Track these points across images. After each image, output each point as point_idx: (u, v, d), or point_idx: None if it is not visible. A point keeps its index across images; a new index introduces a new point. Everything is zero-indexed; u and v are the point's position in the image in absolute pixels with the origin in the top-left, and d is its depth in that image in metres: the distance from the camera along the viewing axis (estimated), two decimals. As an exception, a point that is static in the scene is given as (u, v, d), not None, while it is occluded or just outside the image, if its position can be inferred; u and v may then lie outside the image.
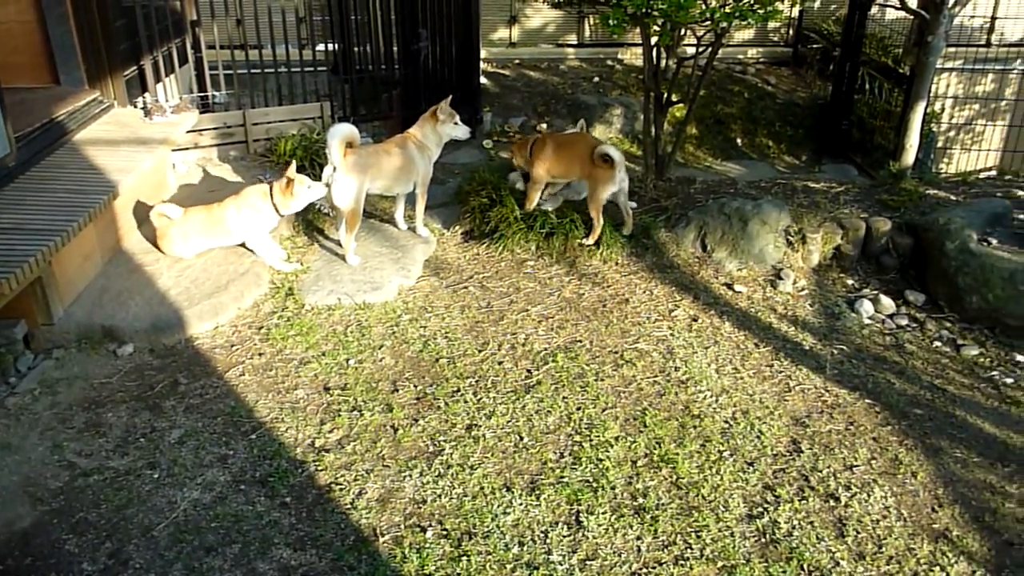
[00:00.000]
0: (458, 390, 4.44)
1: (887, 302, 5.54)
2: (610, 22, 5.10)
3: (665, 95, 6.26)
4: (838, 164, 8.83)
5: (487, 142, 8.52)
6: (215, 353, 4.70)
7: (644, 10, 5.06)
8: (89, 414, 4.19)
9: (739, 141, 9.09)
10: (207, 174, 6.51)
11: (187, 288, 5.05)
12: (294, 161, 5.64)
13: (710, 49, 6.03)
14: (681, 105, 7.42)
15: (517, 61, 10.00)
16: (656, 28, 5.56)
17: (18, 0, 5.98)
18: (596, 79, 9.64)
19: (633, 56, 10.25)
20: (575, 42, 10.39)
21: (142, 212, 5.52)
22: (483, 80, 9.07)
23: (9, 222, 4.57)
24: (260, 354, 4.69)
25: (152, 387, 4.40)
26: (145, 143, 5.81)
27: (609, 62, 10.14)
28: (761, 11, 5.01)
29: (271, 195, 5.31)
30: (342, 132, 5.32)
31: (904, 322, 5.41)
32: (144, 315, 4.78)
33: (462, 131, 5.87)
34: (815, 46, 10.23)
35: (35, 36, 6.11)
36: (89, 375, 4.48)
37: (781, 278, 5.70)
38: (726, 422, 4.31)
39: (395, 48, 7.85)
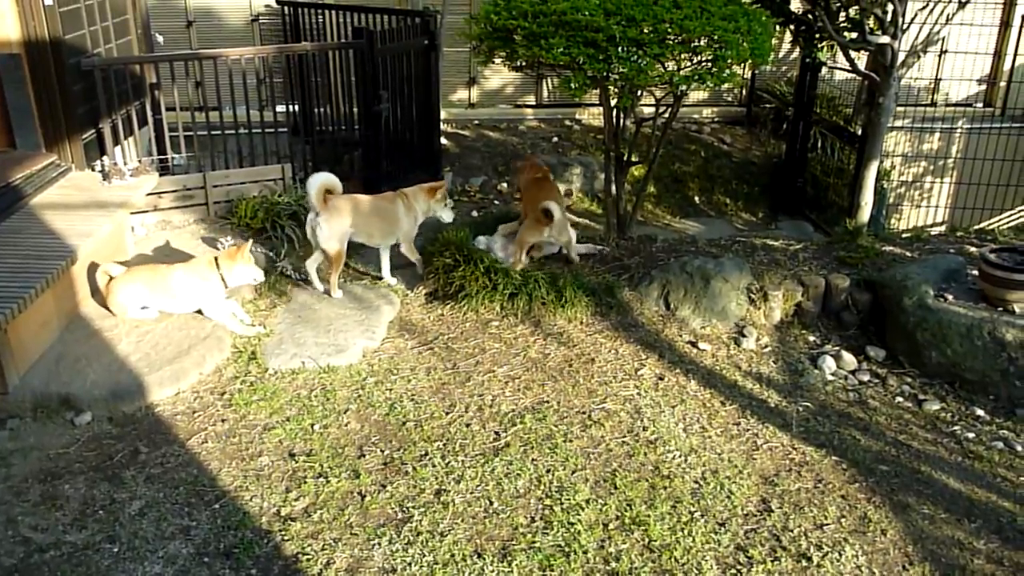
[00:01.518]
0: (426, 454, 4.38)
1: (849, 358, 5.61)
2: (571, 85, 5.18)
3: (625, 155, 6.36)
4: (794, 221, 9.02)
5: (448, 202, 8.55)
6: (176, 420, 4.59)
7: (604, 74, 5.16)
8: (45, 486, 4.06)
9: (697, 199, 9.25)
10: (165, 238, 6.43)
11: (147, 353, 4.95)
12: (249, 240, 5.62)
13: (669, 110, 6.16)
14: (640, 165, 7.55)
15: (476, 122, 10.12)
16: (615, 90, 5.66)
17: (-26, 64, 5.93)
18: (555, 139, 9.78)
19: (591, 116, 10.43)
20: (534, 103, 10.55)
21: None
22: (443, 140, 9.15)
23: (-36, 289, 4.46)
24: (223, 420, 4.60)
25: (111, 457, 4.29)
26: (104, 206, 5.74)
27: (567, 122, 10.31)
28: (719, 74, 5.13)
29: (217, 265, 5.28)
30: (320, 180, 5.70)
31: (866, 378, 5.49)
32: (103, 382, 4.67)
33: (448, 215, 6.25)
34: (768, 106, 10.51)
35: (-9, 100, 6.05)
36: (45, 445, 4.35)
37: (744, 335, 5.76)
38: (696, 482, 4.31)
39: (355, 109, 7.90)
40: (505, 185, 8.90)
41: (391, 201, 6.10)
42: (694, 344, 5.66)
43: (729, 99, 10.94)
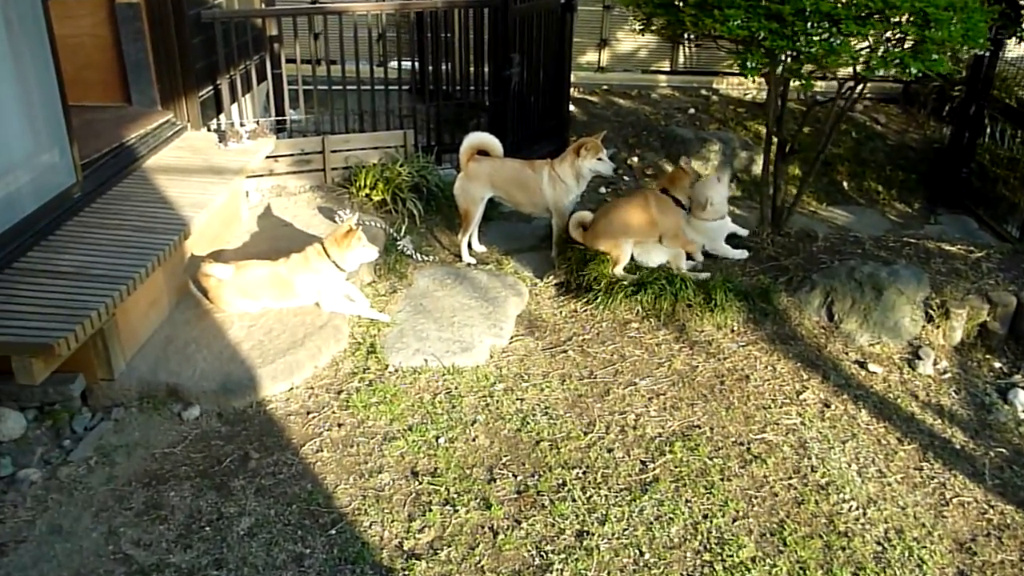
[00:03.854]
0: (564, 483, 3.86)
1: (1044, 392, 4.84)
2: (747, 64, 4.48)
3: (790, 143, 5.62)
4: (955, 215, 8.10)
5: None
6: (289, 421, 4.18)
7: (787, 53, 4.44)
8: (150, 492, 3.70)
9: (845, 184, 8.40)
10: (280, 205, 6.02)
11: (260, 341, 4.55)
12: (355, 213, 5.16)
13: (849, 93, 5.40)
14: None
15: (605, 87, 9.42)
16: (787, 69, 4.92)
17: (94, 13, 5.57)
18: (691, 110, 9.01)
19: (729, 86, 9.62)
20: (668, 68, 9.77)
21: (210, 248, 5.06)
22: (570, 107, 8.49)
23: (70, 264, 4.11)
24: (339, 425, 4.17)
25: (220, 461, 3.90)
26: (220, 172, 5.34)
27: (704, 92, 9.52)
28: (925, 59, 4.35)
29: (326, 252, 4.78)
30: (471, 139, 5.68)
31: (1065, 417, 4.72)
32: (212, 373, 4.28)
33: (606, 167, 5.75)
34: (931, 84, 9.47)
35: (108, 52, 5.70)
36: (151, 442, 3.99)
37: (920, 357, 5.03)
38: (879, 543, 3.67)
39: (484, 70, 7.35)
40: (636, 159, 8.23)
41: (536, 169, 5.72)
42: (862, 365, 4.96)
43: (883, 73, 9.93)
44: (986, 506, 3.98)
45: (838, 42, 4.28)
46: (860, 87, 5.29)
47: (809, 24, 4.26)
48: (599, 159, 5.65)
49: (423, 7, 7.24)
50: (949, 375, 4.98)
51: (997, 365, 5.12)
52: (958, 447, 4.40)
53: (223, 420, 4.17)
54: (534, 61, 7.31)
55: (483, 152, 5.70)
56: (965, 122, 8.12)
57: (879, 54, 4.48)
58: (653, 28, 5.34)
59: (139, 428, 4.07)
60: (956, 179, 8.15)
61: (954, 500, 3.99)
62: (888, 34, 4.55)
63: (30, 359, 3.53)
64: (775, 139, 5.69)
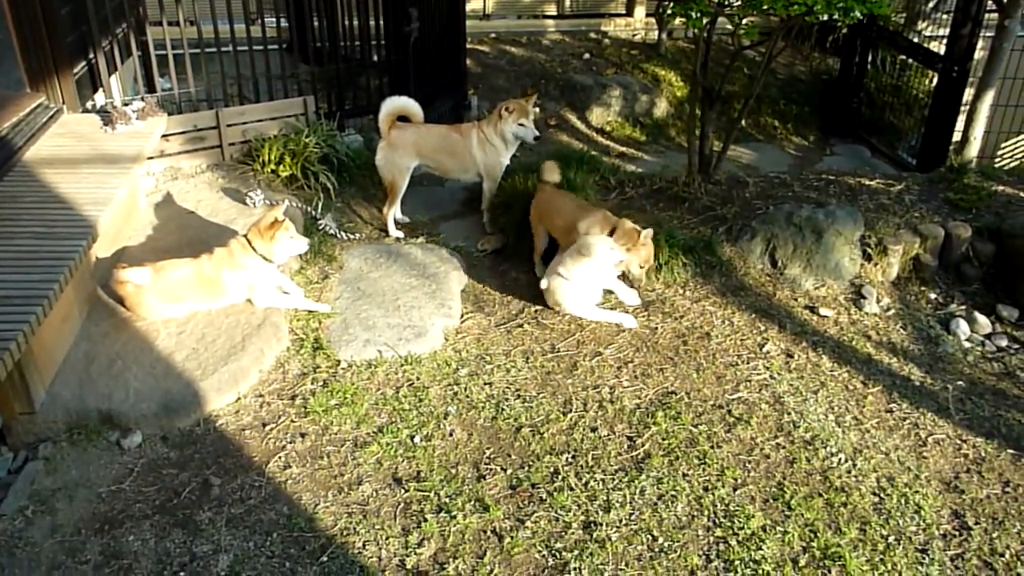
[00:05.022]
0: (556, 472, 3.67)
1: (982, 320, 5.00)
2: (692, 15, 4.28)
3: (717, 89, 5.50)
4: (849, 144, 8.28)
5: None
6: (246, 437, 3.79)
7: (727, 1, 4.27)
8: (105, 539, 3.27)
9: (743, 122, 8.42)
10: (178, 190, 5.45)
11: (194, 350, 4.09)
12: (284, 202, 4.72)
13: (778, 39, 5.32)
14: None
15: (494, 35, 9.06)
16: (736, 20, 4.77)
17: (-64, -15, 4.80)
18: (586, 55, 8.79)
19: (617, 28, 9.44)
20: (555, 13, 9.49)
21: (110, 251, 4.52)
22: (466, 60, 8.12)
23: (-32, 286, 3.53)
24: (302, 434, 3.81)
25: (177, 492, 3.49)
26: (114, 161, 4.75)
27: (593, 35, 9.30)
28: (868, 2, 4.27)
29: (251, 245, 4.32)
30: (391, 105, 5.32)
31: (1004, 343, 4.88)
32: (149, 392, 3.82)
33: (527, 132, 5.33)
34: (810, 16, 9.59)
35: (-41, 29, 4.94)
36: (92, 480, 3.53)
37: (864, 296, 5.09)
38: (875, 494, 3.67)
39: (372, 26, 6.85)
40: (537, 110, 7.97)
41: (463, 133, 5.40)
42: (813, 310, 4.97)
43: (826, 18, 9.93)
44: (959, 441, 4.06)
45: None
46: (793, 31, 5.19)
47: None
48: (521, 124, 5.30)
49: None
50: (893, 311, 5.06)
51: (933, 296, 5.25)
52: (918, 383, 4.47)
53: (170, 444, 3.73)
54: (430, 13, 6.89)
55: (402, 118, 5.33)
56: (852, 53, 8.25)
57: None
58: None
59: (75, 465, 3.58)
60: (847, 109, 8.31)
61: (929, 440, 4.05)
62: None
63: (-56, 407, 3.01)
64: (700, 87, 5.56)
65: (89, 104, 5.56)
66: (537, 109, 8.01)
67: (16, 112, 4.84)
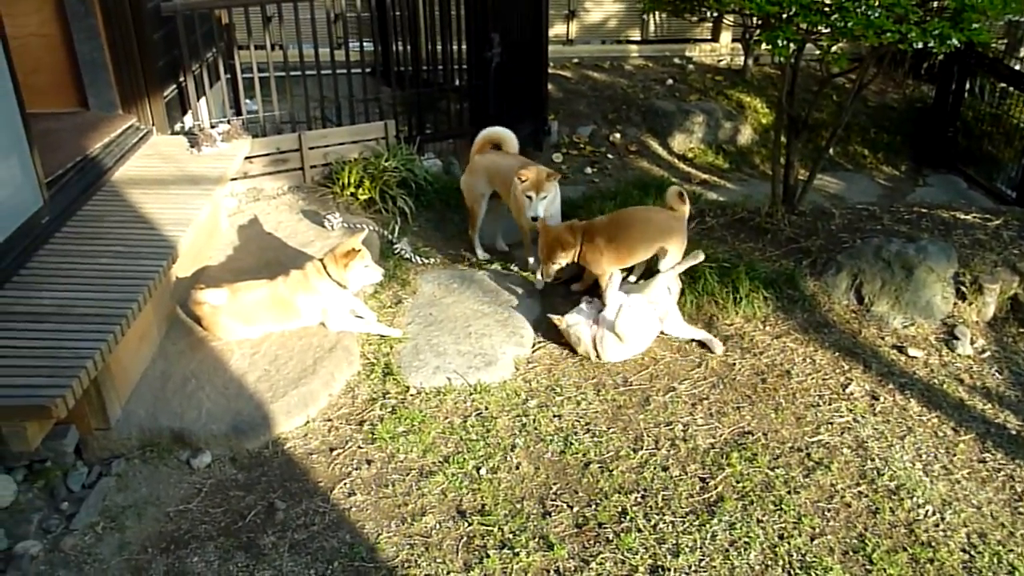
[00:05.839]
0: (624, 512, 3.55)
1: (1086, 366, 4.70)
2: (778, 42, 4.15)
3: (804, 117, 5.34)
4: (943, 175, 7.97)
5: (557, 155, 7.61)
6: (312, 462, 3.78)
7: (817, 27, 4.13)
8: (170, 559, 3.28)
9: (831, 150, 8.19)
10: (259, 211, 5.54)
11: (266, 371, 4.12)
12: (364, 230, 4.72)
13: (869, 66, 5.14)
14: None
15: (576, 60, 9.03)
16: (825, 46, 4.62)
17: (39, 10, 5.00)
18: (669, 81, 8.68)
19: (702, 53, 9.31)
20: (638, 38, 9.42)
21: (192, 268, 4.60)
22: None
23: (51, 303, 3.62)
24: (368, 461, 3.79)
25: (242, 515, 3.49)
26: (198, 182, 4.85)
27: (677, 60, 9.19)
28: (967, 28, 4.08)
29: (325, 270, 4.34)
30: (484, 134, 5.43)
31: (1109, 392, 4.57)
32: (220, 412, 3.86)
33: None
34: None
35: (58, 52, 5.14)
36: (161, 498, 3.57)
37: (956, 337, 4.83)
38: (964, 551, 3.45)
39: (453, 51, 6.89)
40: (618, 135, 7.89)
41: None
42: (901, 350, 4.74)
43: (920, 45, 9.68)
44: (1059, 498, 3.79)
45: (875, 15, 3.97)
46: (886, 59, 5.01)
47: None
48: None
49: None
50: (988, 354, 4.79)
51: (1032, 339, 4.96)
52: (1014, 432, 4.21)
53: (238, 466, 3.76)
54: (512, 38, 6.90)
55: (496, 146, 5.32)
56: (948, 80, 7.95)
57: (915, 24, 4.19)
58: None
59: (145, 482, 3.63)
60: (942, 139, 8.00)
61: (1025, 494, 3.80)
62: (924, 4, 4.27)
63: (22, 423, 3.07)
64: (785, 115, 5.40)
65: (178, 126, 5.71)
66: (618, 135, 7.94)
67: (108, 133, 5.00)
